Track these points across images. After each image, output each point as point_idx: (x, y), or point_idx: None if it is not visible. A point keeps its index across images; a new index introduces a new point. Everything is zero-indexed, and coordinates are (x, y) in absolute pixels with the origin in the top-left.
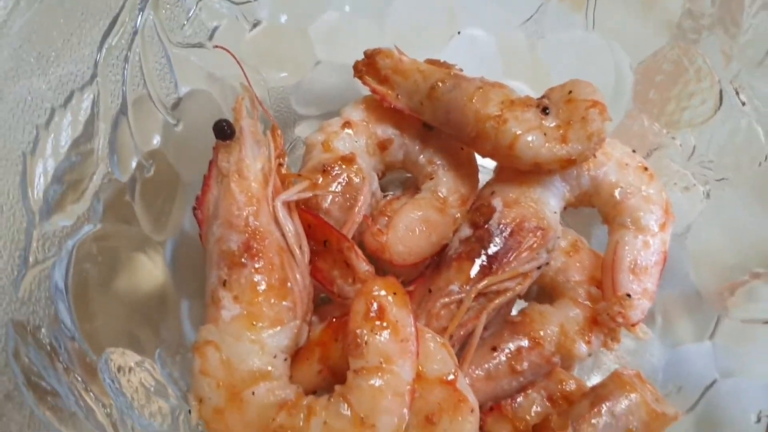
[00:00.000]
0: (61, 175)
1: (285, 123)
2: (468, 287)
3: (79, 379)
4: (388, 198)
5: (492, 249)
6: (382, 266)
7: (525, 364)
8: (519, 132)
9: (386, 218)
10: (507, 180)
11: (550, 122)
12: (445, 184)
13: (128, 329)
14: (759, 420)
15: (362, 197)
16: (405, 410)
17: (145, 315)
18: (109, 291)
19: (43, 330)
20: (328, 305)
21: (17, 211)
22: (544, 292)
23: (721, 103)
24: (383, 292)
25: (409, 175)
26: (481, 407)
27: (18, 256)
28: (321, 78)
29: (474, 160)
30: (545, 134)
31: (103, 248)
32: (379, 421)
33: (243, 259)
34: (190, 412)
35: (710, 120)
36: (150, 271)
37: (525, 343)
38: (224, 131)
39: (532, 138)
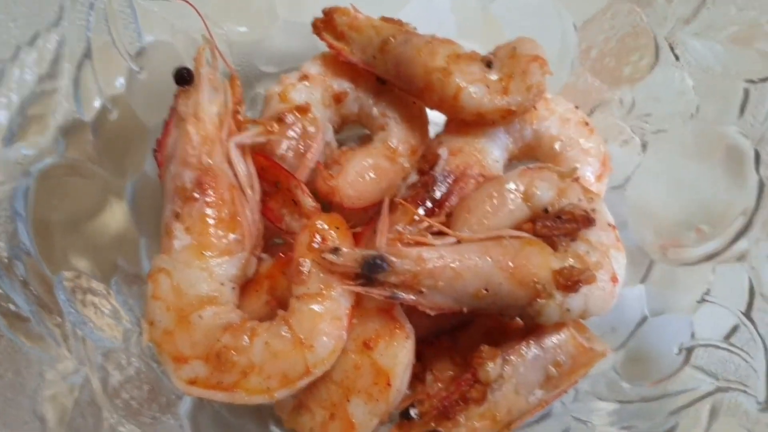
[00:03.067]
0: (26, 107)
1: (247, 79)
2: (412, 228)
3: (35, 292)
4: (342, 149)
5: (436, 193)
6: (334, 211)
7: None
8: (463, 84)
9: (339, 166)
10: (454, 131)
11: (493, 75)
12: (396, 135)
13: (86, 257)
14: (680, 352)
15: (315, 144)
16: (342, 333)
17: (104, 247)
18: (69, 222)
19: (1, 243)
20: (280, 245)
21: None
22: None
23: (657, 59)
24: (326, 226)
25: (366, 132)
26: (421, 340)
27: None
28: (283, 36)
29: (424, 113)
30: (488, 86)
31: (64, 180)
32: (317, 342)
33: (195, 194)
34: (141, 334)
35: (648, 75)
36: (111, 207)
37: None
38: (183, 77)
39: (475, 89)
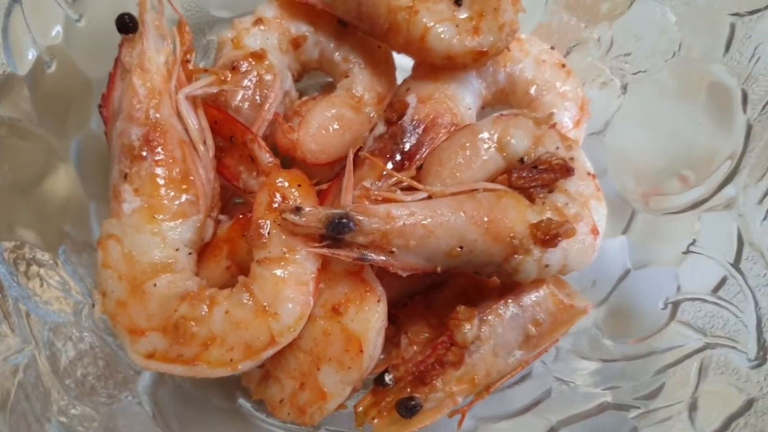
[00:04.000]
0: None
1: (198, 26)
2: (380, 183)
3: None
4: (303, 99)
5: (405, 145)
6: (296, 167)
7: None
8: (430, 24)
9: (300, 118)
10: (423, 77)
11: (462, 14)
12: (360, 82)
13: (30, 225)
14: (665, 306)
15: (273, 94)
16: (309, 298)
17: (50, 213)
18: (10, 188)
19: None
20: (241, 205)
21: None
22: None
23: None
24: (287, 184)
25: (328, 80)
26: (394, 303)
27: None
28: None
29: (391, 58)
30: (457, 26)
31: (2, 143)
32: (282, 309)
33: (143, 152)
34: (93, 306)
35: (627, 11)
36: (55, 170)
37: None
38: (126, 24)
39: (444, 29)
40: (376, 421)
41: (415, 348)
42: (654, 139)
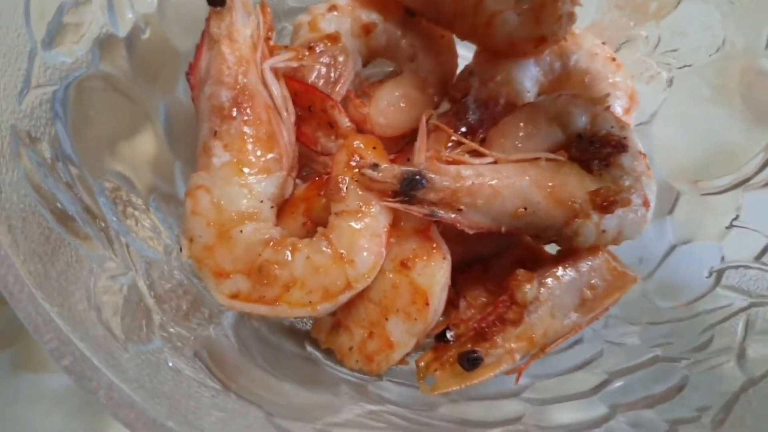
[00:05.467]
0: (62, 13)
1: (275, 13)
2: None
3: (79, 195)
4: (370, 81)
5: (468, 121)
6: None
7: None
8: (496, 10)
9: (369, 97)
10: (485, 61)
11: (525, 3)
12: (425, 67)
13: (124, 170)
14: (710, 275)
15: (346, 72)
16: (382, 249)
17: (140, 166)
18: (105, 133)
19: (44, 143)
20: (311, 174)
21: (21, 35)
22: None
23: None
24: (363, 146)
25: (392, 68)
26: (454, 268)
27: (21, 75)
28: None
29: (453, 46)
30: (519, 14)
31: (100, 92)
32: (357, 257)
33: (233, 112)
34: (181, 251)
35: (674, 11)
36: (144, 127)
37: None
38: None
39: (508, 17)
40: (438, 372)
41: (473, 311)
42: (697, 132)
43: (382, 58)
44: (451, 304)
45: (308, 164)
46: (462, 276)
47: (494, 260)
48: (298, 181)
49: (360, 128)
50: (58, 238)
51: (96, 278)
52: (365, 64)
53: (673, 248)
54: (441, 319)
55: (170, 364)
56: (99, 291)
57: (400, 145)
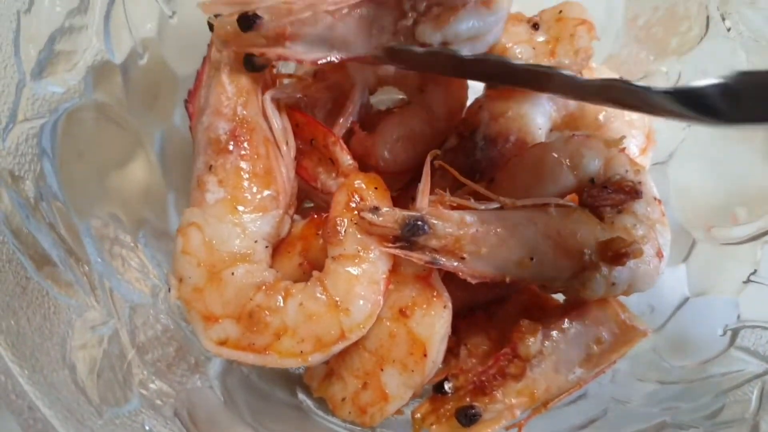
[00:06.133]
0: (54, 42)
1: None
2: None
3: (62, 236)
4: (377, 111)
5: (476, 159)
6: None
7: None
8: (509, 44)
9: (375, 128)
10: (496, 96)
11: (539, 37)
12: (434, 99)
13: (112, 206)
14: (724, 333)
15: (351, 103)
16: (379, 297)
17: (131, 198)
18: (95, 166)
19: (28, 182)
20: (311, 208)
21: (9, 66)
22: None
23: (707, 30)
24: (364, 185)
25: (401, 97)
26: (456, 314)
27: (7, 108)
28: None
29: None
30: (534, 48)
31: (92, 123)
32: (353, 305)
33: (229, 146)
34: (169, 291)
35: (697, 47)
36: (138, 156)
37: None
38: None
39: (522, 50)
40: (434, 427)
41: (473, 360)
42: (716, 173)
43: (391, 86)
44: (451, 352)
45: (309, 197)
46: (464, 322)
47: (498, 306)
48: (297, 216)
49: (364, 162)
50: (36, 288)
51: (74, 331)
52: (373, 92)
53: (686, 300)
54: (441, 366)
55: (147, 428)
56: (76, 346)
57: (406, 179)
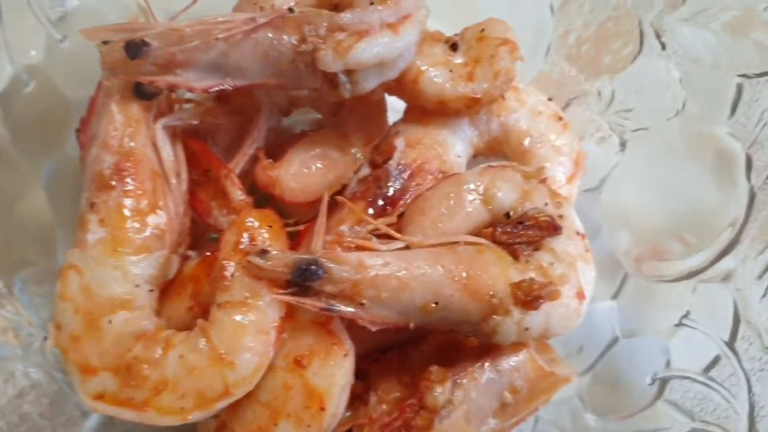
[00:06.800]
0: None
1: None
2: (358, 228)
3: None
4: (289, 135)
5: (389, 190)
6: (276, 205)
7: None
8: (424, 67)
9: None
10: (413, 121)
11: (458, 59)
12: (349, 122)
13: None
14: (653, 382)
15: (255, 128)
16: (269, 349)
17: (14, 239)
18: None
19: None
20: (214, 242)
21: None
22: None
23: (641, 48)
24: (257, 224)
25: (318, 116)
26: (366, 357)
27: None
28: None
29: (383, 99)
30: (451, 70)
31: None
32: (239, 358)
33: (113, 181)
34: (46, 339)
35: (630, 65)
36: (24, 194)
37: None
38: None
39: (437, 73)
40: None
41: (384, 407)
42: (653, 199)
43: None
44: (360, 398)
45: (212, 230)
46: (375, 365)
47: (413, 347)
48: (192, 253)
49: (269, 193)
50: None
51: None
52: (287, 114)
53: (615, 341)
54: (348, 414)
55: None
56: None
57: (316, 211)
